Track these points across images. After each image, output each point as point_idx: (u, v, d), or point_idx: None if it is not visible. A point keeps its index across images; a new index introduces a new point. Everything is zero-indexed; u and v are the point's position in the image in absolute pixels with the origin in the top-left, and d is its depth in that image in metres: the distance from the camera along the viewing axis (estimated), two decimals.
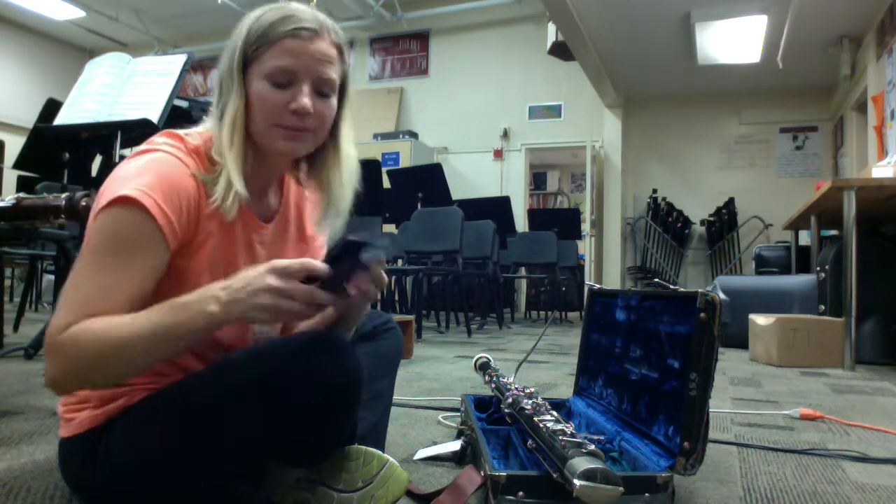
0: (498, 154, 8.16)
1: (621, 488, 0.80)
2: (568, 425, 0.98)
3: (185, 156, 0.90)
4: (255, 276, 0.78)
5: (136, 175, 0.84)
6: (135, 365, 0.81)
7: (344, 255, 0.82)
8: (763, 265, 5.70)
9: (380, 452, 0.95)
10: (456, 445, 1.27)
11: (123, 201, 0.82)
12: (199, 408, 0.86)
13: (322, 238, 1.10)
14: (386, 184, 4.81)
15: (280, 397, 0.83)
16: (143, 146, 0.91)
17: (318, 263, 0.80)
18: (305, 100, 0.88)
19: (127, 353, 0.78)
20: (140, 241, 0.83)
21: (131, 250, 0.82)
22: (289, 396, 0.83)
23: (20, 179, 4.04)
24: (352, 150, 1.01)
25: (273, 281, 0.77)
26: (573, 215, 6.62)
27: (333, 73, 0.92)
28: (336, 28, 0.95)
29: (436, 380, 2.37)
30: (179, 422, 0.86)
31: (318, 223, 1.04)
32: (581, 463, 0.82)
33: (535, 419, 1.02)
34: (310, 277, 0.79)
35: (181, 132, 0.94)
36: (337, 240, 0.84)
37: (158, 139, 0.92)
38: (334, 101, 0.95)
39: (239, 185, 0.88)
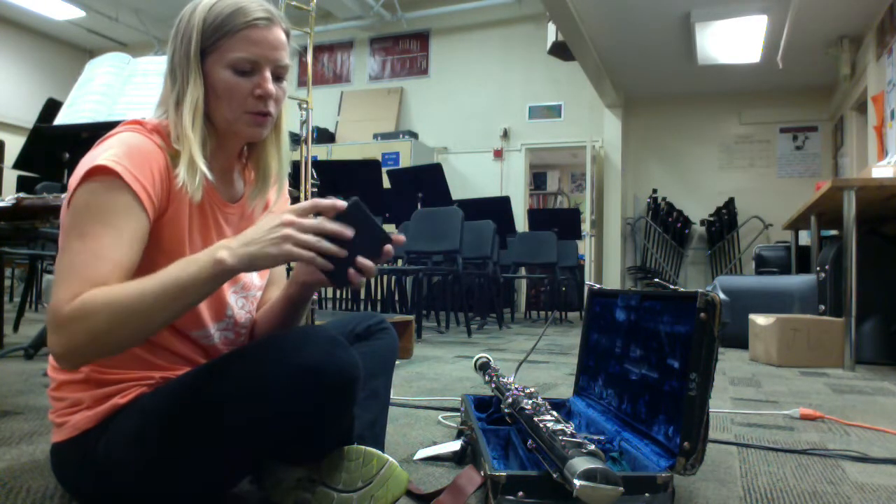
0: (498, 154, 8.16)
1: (621, 488, 0.80)
2: (568, 425, 0.98)
3: (149, 133, 0.92)
4: (271, 218, 0.81)
5: (103, 150, 0.86)
6: (149, 323, 0.81)
7: (354, 213, 0.84)
8: (763, 265, 5.70)
9: (379, 452, 0.95)
10: (456, 445, 1.27)
11: (95, 172, 0.84)
12: (195, 406, 0.86)
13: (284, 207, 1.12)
14: (386, 184, 4.81)
15: (276, 394, 0.84)
16: (106, 135, 0.92)
17: (324, 200, 0.84)
18: (270, 86, 0.93)
19: (140, 312, 0.79)
20: (118, 206, 0.84)
21: (112, 216, 0.83)
22: (285, 393, 0.83)
23: (20, 179, 4.05)
24: (286, 125, 1.05)
25: (289, 216, 0.81)
26: (573, 215, 6.62)
27: (287, 59, 0.96)
28: (282, 15, 0.98)
29: (436, 380, 2.37)
30: (176, 420, 0.86)
31: (253, 197, 1.05)
32: (581, 463, 0.82)
33: (535, 419, 1.02)
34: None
35: (139, 118, 0.95)
36: (349, 201, 0.85)
37: (120, 126, 0.94)
38: (286, 84, 0.99)
39: (203, 167, 0.90)
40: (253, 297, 1.07)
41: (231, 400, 0.84)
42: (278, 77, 0.95)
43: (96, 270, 0.81)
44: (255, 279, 1.07)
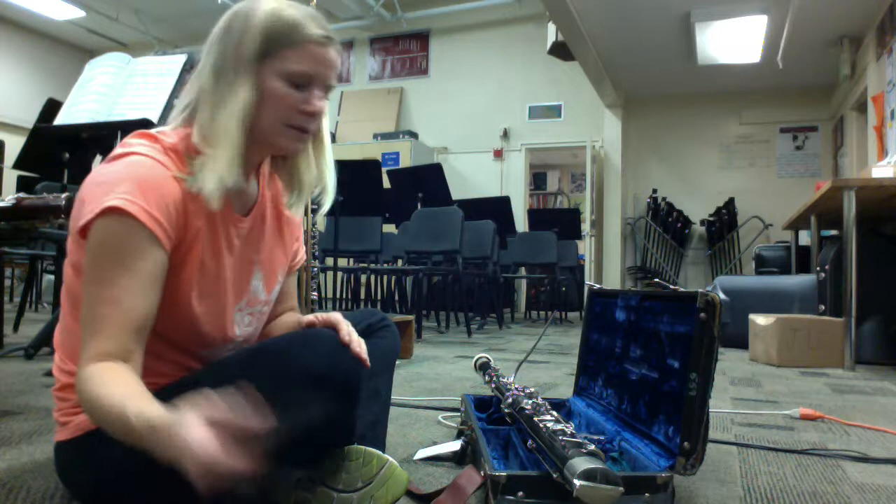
0: (498, 154, 8.16)
1: (621, 488, 0.80)
2: (568, 425, 0.98)
3: (162, 155, 0.89)
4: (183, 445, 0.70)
5: (116, 182, 0.83)
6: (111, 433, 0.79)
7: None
8: (763, 265, 5.70)
9: (379, 452, 0.95)
10: (456, 445, 1.27)
11: (110, 212, 0.81)
12: None
13: (298, 225, 1.11)
14: (386, 184, 4.80)
15: (278, 398, 0.83)
16: (117, 150, 0.90)
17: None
18: (319, 104, 0.91)
19: (104, 424, 0.79)
20: (136, 249, 0.82)
21: (129, 259, 0.82)
22: (286, 395, 0.83)
23: (20, 179, 4.04)
24: (329, 139, 1.04)
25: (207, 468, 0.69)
26: (573, 215, 6.62)
27: (336, 80, 0.94)
28: (335, 35, 0.96)
29: (436, 380, 2.37)
30: None
31: (289, 206, 1.05)
32: (581, 463, 0.82)
33: (535, 419, 1.02)
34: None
35: (154, 131, 0.93)
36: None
37: (132, 140, 0.91)
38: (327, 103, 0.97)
39: (233, 174, 0.87)
40: (259, 312, 1.05)
41: None
42: (325, 97, 0.94)
43: (113, 322, 0.81)
44: (260, 294, 1.04)
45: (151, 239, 0.83)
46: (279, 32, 0.88)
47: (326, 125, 1.01)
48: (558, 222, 6.20)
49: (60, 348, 0.95)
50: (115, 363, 0.81)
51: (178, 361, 0.97)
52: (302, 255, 1.16)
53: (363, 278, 5.88)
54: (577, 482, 0.79)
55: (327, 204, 1.04)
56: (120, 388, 0.79)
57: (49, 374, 2.20)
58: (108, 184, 0.84)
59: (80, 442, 0.91)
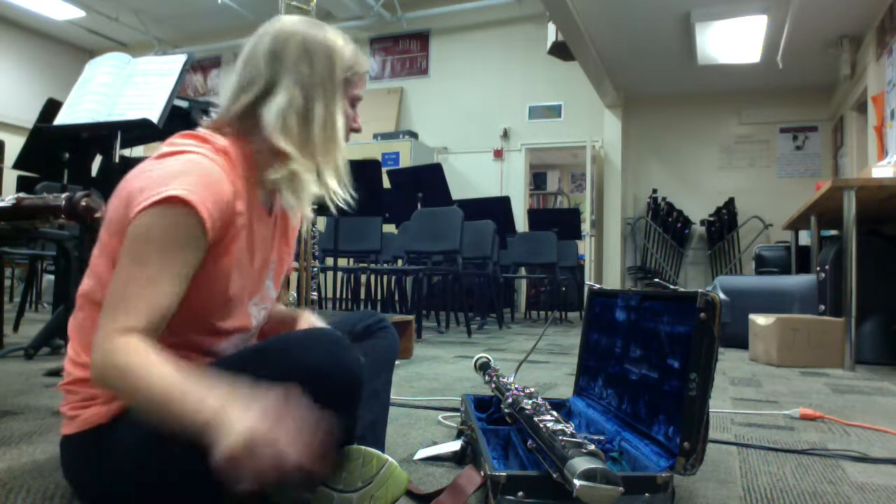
0: (498, 154, 8.16)
1: (621, 488, 0.80)
2: (568, 425, 0.98)
3: (215, 155, 0.93)
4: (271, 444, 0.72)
5: (177, 175, 0.87)
6: (139, 409, 0.82)
7: None
8: (763, 265, 5.70)
9: (379, 452, 0.96)
10: (456, 445, 1.27)
11: (173, 200, 0.84)
12: None
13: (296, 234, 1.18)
14: (386, 184, 4.81)
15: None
16: (168, 148, 0.93)
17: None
18: (360, 121, 1.08)
19: (135, 398, 0.82)
20: (188, 240, 0.86)
21: (177, 249, 0.85)
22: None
23: (20, 179, 4.04)
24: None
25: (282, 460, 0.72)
26: (573, 215, 6.62)
27: None
28: None
29: (436, 380, 2.37)
30: None
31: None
32: (581, 463, 0.82)
33: (535, 419, 1.02)
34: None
35: (202, 132, 0.97)
36: None
37: (181, 140, 0.95)
38: None
39: (339, 185, 1.01)
40: (265, 308, 1.09)
41: None
42: None
43: (147, 302, 0.83)
44: (271, 292, 1.09)
45: (202, 233, 0.87)
46: (352, 63, 1.03)
47: None
48: (558, 222, 6.20)
49: (76, 341, 0.95)
50: (143, 340, 0.82)
51: (184, 355, 0.97)
52: (292, 264, 1.20)
53: (363, 278, 5.88)
54: (577, 482, 0.79)
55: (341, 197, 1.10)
56: (159, 362, 0.80)
57: (49, 373, 2.20)
58: (169, 176, 0.87)
59: (86, 437, 0.91)
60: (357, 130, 1.07)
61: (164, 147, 0.94)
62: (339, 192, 1.01)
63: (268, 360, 0.87)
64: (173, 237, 0.85)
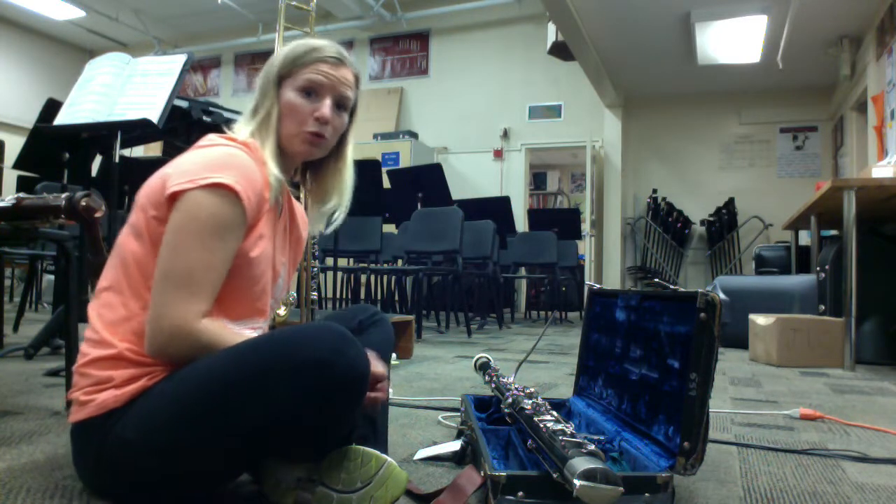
0: (498, 154, 8.16)
1: (621, 488, 0.80)
2: (568, 425, 0.98)
3: (248, 151, 1.02)
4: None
5: (221, 165, 0.95)
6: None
7: None
8: (763, 265, 5.70)
9: (378, 453, 0.96)
10: (456, 445, 1.27)
11: (221, 187, 0.93)
12: (206, 392, 0.88)
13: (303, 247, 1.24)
14: (386, 184, 4.81)
15: (285, 386, 0.85)
16: (206, 141, 1.02)
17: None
18: (327, 110, 1.06)
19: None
20: (234, 226, 0.95)
21: (228, 234, 0.94)
22: (294, 385, 0.85)
23: (20, 179, 4.04)
24: (351, 160, 1.18)
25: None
26: (573, 215, 6.62)
27: (351, 94, 1.10)
28: (354, 62, 1.13)
29: (436, 380, 2.37)
30: (186, 405, 0.88)
31: (314, 221, 1.19)
32: (581, 463, 0.82)
33: (535, 419, 1.02)
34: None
35: (230, 134, 1.06)
36: None
37: (214, 137, 1.03)
38: (346, 117, 1.12)
39: (276, 171, 1.02)
40: (275, 303, 1.14)
41: (240, 390, 0.86)
42: (340, 106, 1.09)
43: (211, 286, 0.93)
44: (282, 292, 1.15)
45: (245, 221, 0.96)
46: (292, 59, 1.07)
47: (350, 147, 1.17)
48: (558, 222, 6.20)
49: (100, 321, 0.96)
50: (213, 319, 0.94)
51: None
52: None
53: (363, 278, 5.88)
54: (577, 482, 0.79)
55: (340, 219, 1.18)
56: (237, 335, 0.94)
57: (49, 373, 2.20)
58: (214, 164, 0.95)
59: (98, 423, 0.92)
60: (320, 120, 1.06)
61: (204, 140, 1.03)
62: (275, 174, 1.02)
63: (275, 350, 0.88)
64: (227, 224, 0.93)
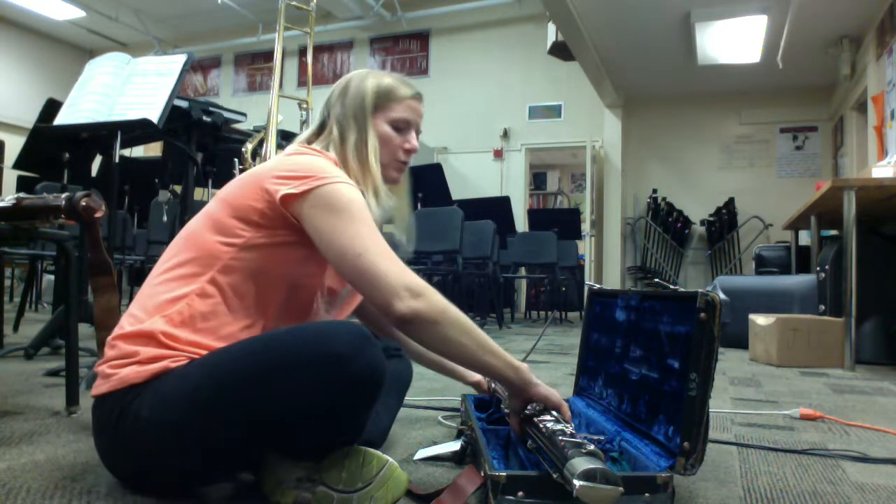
0: (498, 154, 8.16)
1: (621, 488, 0.80)
2: (568, 425, 0.98)
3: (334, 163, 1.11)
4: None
5: (326, 169, 1.04)
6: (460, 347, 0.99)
7: None
8: (763, 265, 5.70)
9: (379, 453, 0.96)
10: (456, 445, 1.27)
11: (347, 184, 1.04)
12: (231, 374, 0.89)
13: None
14: None
15: (303, 376, 0.87)
16: (296, 148, 1.13)
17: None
18: (416, 143, 1.22)
19: (459, 342, 0.99)
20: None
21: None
22: (312, 376, 0.87)
23: (20, 179, 4.04)
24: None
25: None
26: (573, 215, 6.62)
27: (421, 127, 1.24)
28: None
29: (436, 380, 2.37)
30: (210, 384, 0.89)
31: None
32: (581, 463, 0.82)
33: (535, 419, 1.02)
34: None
35: (315, 147, 1.15)
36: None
37: (301, 147, 1.13)
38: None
39: (385, 195, 1.13)
40: (332, 301, 1.17)
41: (261, 378, 0.88)
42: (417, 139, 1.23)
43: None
44: (336, 286, 1.16)
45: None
46: (385, 92, 1.18)
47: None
48: (558, 222, 6.20)
49: (146, 299, 1.00)
50: None
51: (258, 328, 1.04)
52: None
53: None
54: (577, 482, 0.79)
55: (404, 238, 1.28)
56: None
57: (49, 373, 2.20)
58: (322, 168, 1.03)
59: (118, 397, 0.93)
60: (410, 151, 1.18)
61: (293, 147, 1.14)
62: (375, 209, 1.09)
63: (297, 341, 0.90)
64: (365, 205, 1.04)
